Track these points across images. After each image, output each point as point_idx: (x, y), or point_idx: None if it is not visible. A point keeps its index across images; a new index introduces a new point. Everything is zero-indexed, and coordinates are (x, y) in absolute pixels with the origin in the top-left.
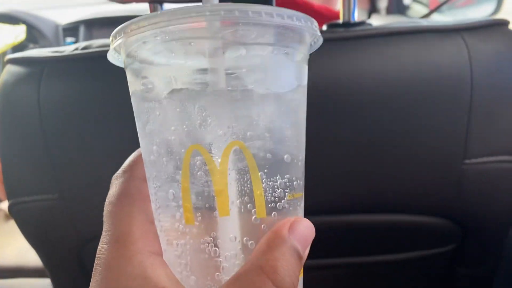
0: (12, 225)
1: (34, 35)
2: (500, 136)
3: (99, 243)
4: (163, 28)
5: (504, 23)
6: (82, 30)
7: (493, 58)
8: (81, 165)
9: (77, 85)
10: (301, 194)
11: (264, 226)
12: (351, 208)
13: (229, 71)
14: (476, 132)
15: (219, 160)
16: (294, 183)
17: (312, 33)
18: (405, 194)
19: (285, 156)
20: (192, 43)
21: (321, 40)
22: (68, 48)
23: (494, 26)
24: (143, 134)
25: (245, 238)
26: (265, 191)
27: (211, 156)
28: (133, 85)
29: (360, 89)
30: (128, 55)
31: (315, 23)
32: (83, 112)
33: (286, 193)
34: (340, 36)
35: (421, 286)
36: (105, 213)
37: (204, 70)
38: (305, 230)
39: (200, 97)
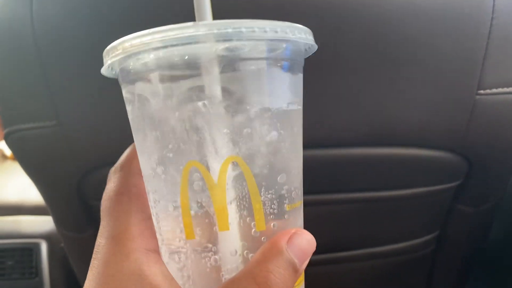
0: (13, 163)
1: None
2: None
3: (97, 237)
4: (158, 50)
5: None
6: None
7: None
8: (81, 89)
9: None
10: (300, 203)
11: (264, 238)
12: (357, 140)
13: (225, 88)
14: (493, 60)
15: (217, 175)
16: (293, 193)
17: (306, 43)
18: (414, 125)
19: (283, 169)
20: (187, 59)
21: (315, 47)
22: None
23: None
24: (140, 150)
25: (245, 251)
26: (264, 204)
27: (209, 172)
28: (129, 102)
29: (371, 7)
30: (123, 72)
31: (309, 34)
32: (81, 29)
33: (285, 204)
34: None
35: (420, 223)
36: (102, 208)
37: (200, 87)
38: (305, 243)
39: (196, 114)
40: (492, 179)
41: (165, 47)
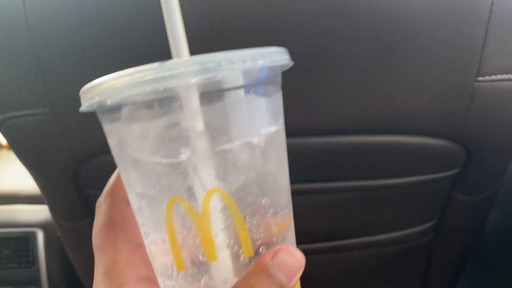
0: (8, 152)
1: None
2: None
3: (94, 274)
4: (130, 92)
5: None
6: None
7: None
8: (75, 76)
9: None
10: (288, 222)
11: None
12: (356, 128)
13: (204, 122)
14: (492, 47)
15: (201, 209)
16: (279, 214)
17: (282, 64)
18: (412, 113)
19: (267, 193)
20: (162, 98)
21: (291, 63)
22: None
23: None
24: (126, 184)
25: (236, 278)
26: (250, 231)
27: (192, 206)
28: (108, 138)
29: None
30: (99, 112)
31: (284, 55)
32: (75, 16)
33: (272, 227)
34: None
35: (417, 212)
36: (93, 244)
37: (175, 124)
38: (289, 258)
39: (174, 151)
40: (490, 167)
41: (137, 88)
